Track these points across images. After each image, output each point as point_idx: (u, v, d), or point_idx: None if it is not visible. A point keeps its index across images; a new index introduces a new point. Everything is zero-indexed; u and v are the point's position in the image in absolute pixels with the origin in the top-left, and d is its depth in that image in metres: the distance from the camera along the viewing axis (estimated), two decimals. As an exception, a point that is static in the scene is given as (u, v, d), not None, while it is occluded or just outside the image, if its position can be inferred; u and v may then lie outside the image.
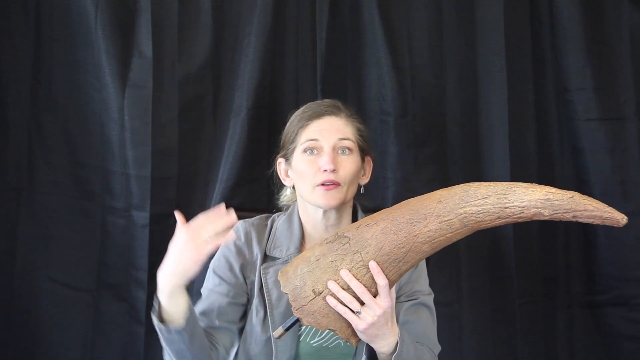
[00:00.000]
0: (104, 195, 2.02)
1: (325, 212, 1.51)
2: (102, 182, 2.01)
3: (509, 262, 2.07)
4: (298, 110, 1.57)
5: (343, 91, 2.07)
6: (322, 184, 1.46)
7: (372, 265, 1.29)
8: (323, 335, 1.52)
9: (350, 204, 1.56)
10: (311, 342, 1.52)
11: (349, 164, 1.49)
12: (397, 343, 1.33)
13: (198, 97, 2.02)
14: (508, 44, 2.05)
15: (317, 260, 1.32)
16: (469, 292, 2.08)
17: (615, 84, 2.08)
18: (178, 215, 1.33)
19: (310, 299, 1.31)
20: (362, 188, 1.57)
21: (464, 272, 2.08)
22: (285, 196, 1.67)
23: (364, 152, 1.55)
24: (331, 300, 1.30)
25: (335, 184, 1.47)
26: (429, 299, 1.55)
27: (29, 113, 2.00)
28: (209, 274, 1.57)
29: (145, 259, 1.97)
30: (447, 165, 2.08)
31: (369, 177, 1.58)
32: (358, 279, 1.30)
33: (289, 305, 1.48)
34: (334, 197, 1.47)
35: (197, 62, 2.01)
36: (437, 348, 1.51)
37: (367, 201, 1.63)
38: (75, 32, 1.99)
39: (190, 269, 1.30)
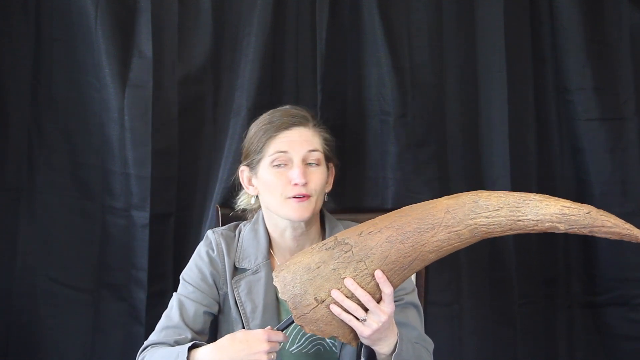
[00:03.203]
0: (104, 195, 2.01)
1: (293, 222, 1.51)
2: (102, 182, 2.01)
3: (509, 262, 2.07)
4: (262, 119, 1.55)
5: (343, 91, 2.07)
6: (294, 197, 1.46)
7: (378, 274, 1.29)
8: (301, 342, 1.52)
9: (317, 211, 1.55)
10: (290, 349, 1.52)
11: (318, 175, 1.49)
12: (397, 342, 1.33)
13: (198, 97, 2.02)
14: (508, 44, 2.05)
15: (318, 267, 1.31)
16: (469, 292, 2.08)
17: (615, 84, 2.08)
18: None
19: (312, 307, 1.30)
20: (326, 196, 1.56)
21: (464, 272, 2.08)
22: (242, 200, 1.64)
23: (328, 160, 1.55)
24: (335, 309, 1.30)
25: (306, 196, 1.47)
26: (414, 296, 1.54)
27: (29, 113, 2.00)
28: (182, 284, 1.56)
29: (145, 259, 1.97)
30: (447, 165, 2.08)
31: (331, 185, 1.58)
32: (362, 287, 1.29)
33: (264, 316, 1.49)
34: (306, 209, 1.47)
35: (197, 62, 2.01)
36: (431, 345, 1.51)
37: (331, 203, 1.64)
38: (75, 32, 1.98)
39: None
